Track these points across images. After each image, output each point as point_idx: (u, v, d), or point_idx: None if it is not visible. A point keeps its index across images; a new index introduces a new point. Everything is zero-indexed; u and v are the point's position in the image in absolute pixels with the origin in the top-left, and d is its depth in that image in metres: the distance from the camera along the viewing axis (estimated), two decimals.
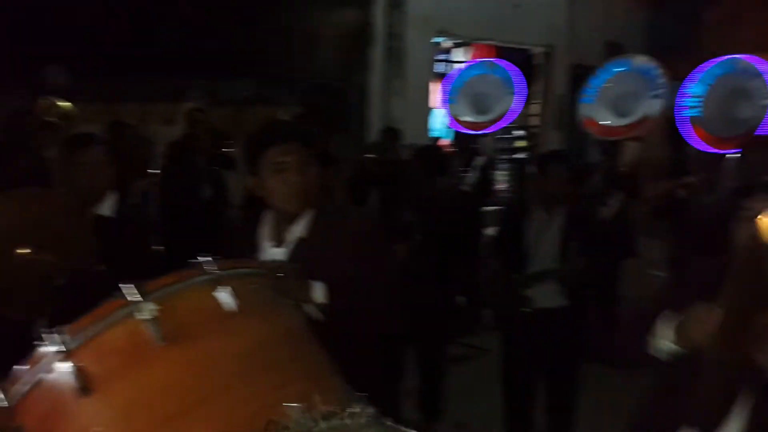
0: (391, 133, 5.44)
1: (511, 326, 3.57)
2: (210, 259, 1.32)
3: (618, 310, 5.10)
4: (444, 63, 8.38)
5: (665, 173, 5.65)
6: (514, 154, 8.61)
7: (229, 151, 5.36)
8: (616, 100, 5.70)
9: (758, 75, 4.89)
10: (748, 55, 5.09)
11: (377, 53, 7.32)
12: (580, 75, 8.67)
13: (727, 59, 5.15)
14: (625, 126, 5.58)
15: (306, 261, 1.94)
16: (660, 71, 5.49)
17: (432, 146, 5.39)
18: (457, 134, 6.91)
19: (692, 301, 1.62)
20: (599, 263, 3.68)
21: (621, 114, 5.63)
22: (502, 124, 5.95)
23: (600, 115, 5.72)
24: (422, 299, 3.40)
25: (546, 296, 3.36)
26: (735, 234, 1.68)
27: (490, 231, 4.23)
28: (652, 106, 5.38)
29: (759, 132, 4.66)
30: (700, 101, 5.12)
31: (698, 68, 5.24)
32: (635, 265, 5.22)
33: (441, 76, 7.53)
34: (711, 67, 5.18)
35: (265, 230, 2.15)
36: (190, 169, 5.17)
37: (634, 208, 5.03)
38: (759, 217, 1.59)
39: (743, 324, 1.47)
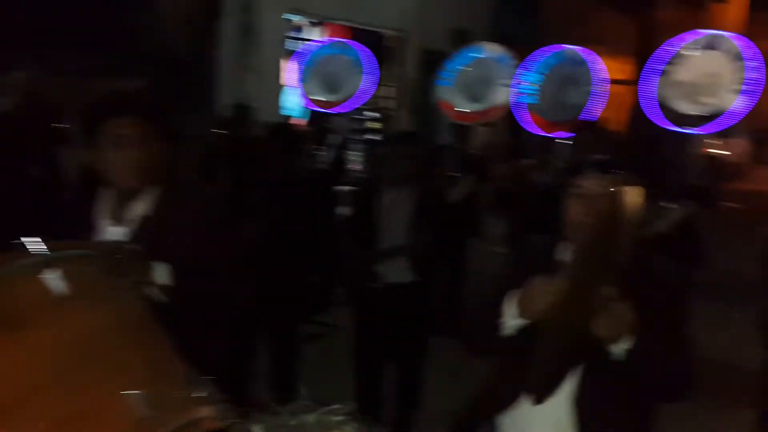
0: (243, 110, 5.31)
1: (362, 302, 3.63)
2: (38, 240, 1.22)
3: (464, 285, 5.35)
4: (296, 41, 8.29)
5: (509, 156, 5.98)
6: (368, 134, 8.72)
7: (64, 125, 4.96)
8: (471, 86, 5.93)
9: (584, 63, 5.30)
10: (576, 46, 5.50)
11: (229, 28, 7.10)
12: (430, 60, 8.95)
13: (558, 49, 5.52)
14: (480, 111, 5.83)
15: (149, 240, 1.85)
16: (513, 60, 5.78)
17: (285, 124, 5.33)
18: (311, 113, 6.88)
19: (529, 276, 1.70)
20: (447, 241, 3.83)
21: (476, 99, 5.86)
22: (354, 104, 5.99)
23: (456, 99, 5.93)
24: (274, 278, 3.37)
25: (396, 272, 3.45)
26: (566, 210, 1.78)
27: (344, 209, 4.26)
28: (504, 93, 5.65)
29: (584, 116, 5.04)
30: (536, 89, 5.45)
31: (532, 57, 5.58)
32: (480, 243, 5.49)
33: (293, 54, 7.44)
34: (544, 56, 5.52)
35: (103, 208, 2.02)
36: (18, 143, 4.73)
37: (483, 190, 5.27)
38: (588, 197, 1.70)
39: (584, 296, 1.57)
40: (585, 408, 1.68)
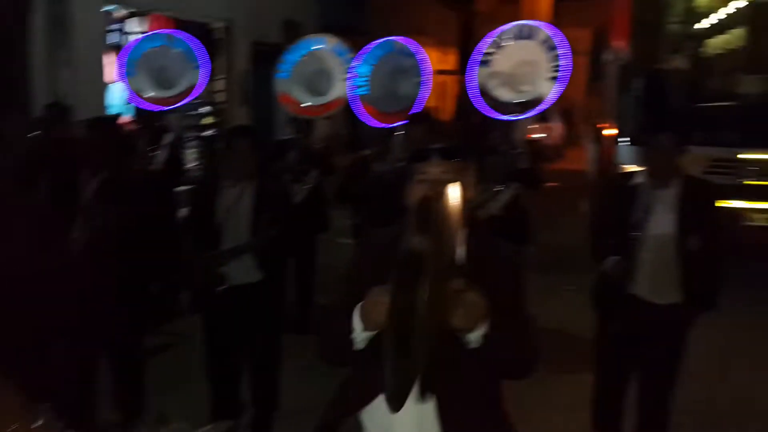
0: (58, 109, 4.91)
1: (209, 307, 3.51)
2: None
3: (314, 280, 5.35)
4: (118, 34, 7.80)
5: (350, 148, 6.04)
6: (202, 130, 8.43)
7: None
8: (311, 79, 5.87)
9: (411, 55, 5.47)
10: (403, 37, 5.66)
11: (39, 20, 6.52)
12: (261, 51, 8.81)
13: (386, 41, 5.65)
14: (323, 104, 5.80)
15: None
16: (349, 52, 5.79)
17: (106, 121, 4.92)
18: (141, 111, 6.50)
19: (374, 277, 1.69)
20: (293, 236, 3.78)
21: (317, 92, 5.82)
22: (188, 99, 5.74)
23: (296, 92, 5.85)
24: (110, 289, 3.15)
25: (241, 272, 3.36)
26: (409, 198, 1.82)
27: (182, 211, 4.09)
28: (344, 86, 5.66)
29: (414, 106, 5.21)
30: (367, 80, 5.54)
31: (362, 49, 5.66)
32: (327, 235, 5.51)
33: (115, 48, 6.99)
34: (373, 48, 5.63)
35: None
36: None
37: (327, 183, 5.28)
38: (432, 183, 1.75)
39: (438, 292, 1.56)
40: (446, 398, 1.72)
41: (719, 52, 7.53)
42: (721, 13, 7.45)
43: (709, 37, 7.55)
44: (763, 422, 3.67)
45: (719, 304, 3.19)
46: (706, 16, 7.53)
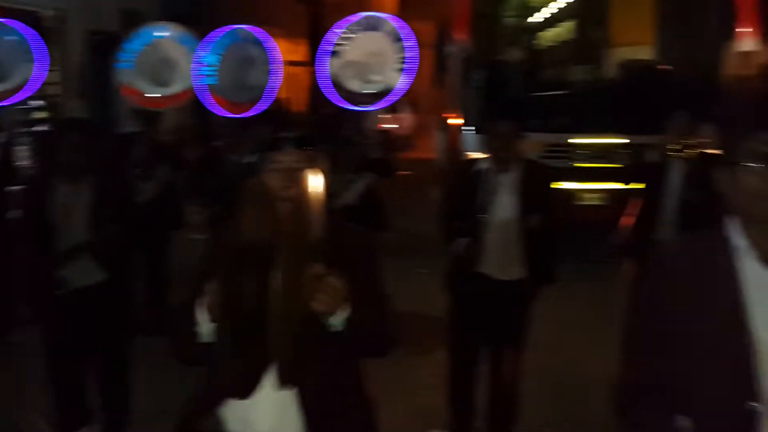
0: None
1: (49, 312, 3.28)
2: None
3: (166, 278, 5.14)
4: None
5: (198, 140, 5.85)
6: (35, 126, 7.78)
7: None
8: (156, 69, 5.59)
9: (259, 43, 5.40)
10: (251, 26, 5.57)
11: None
12: (98, 41, 8.29)
13: (233, 29, 5.53)
14: (170, 96, 5.54)
15: None
16: (196, 42, 5.58)
17: None
18: None
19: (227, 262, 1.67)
20: (139, 233, 3.62)
21: (162, 83, 5.55)
22: (24, 94, 5.26)
23: (140, 83, 5.56)
24: None
25: (82, 273, 3.18)
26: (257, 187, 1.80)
27: (14, 212, 3.78)
28: (190, 76, 5.45)
29: (264, 96, 5.14)
30: (214, 69, 5.39)
31: (207, 38, 5.51)
32: (180, 231, 5.31)
33: None
34: (219, 36, 5.49)
35: None
36: None
37: (177, 177, 5.07)
38: (284, 172, 1.75)
39: (296, 280, 1.59)
40: (306, 383, 1.73)
41: (551, 44, 8.09)
42: (552, 8, 8.02)
43: (542, 30, 8.10)
44: (598, 385, 3.99)
45: (557, 278, 3.46)
46: (539, 10, 8.06)
